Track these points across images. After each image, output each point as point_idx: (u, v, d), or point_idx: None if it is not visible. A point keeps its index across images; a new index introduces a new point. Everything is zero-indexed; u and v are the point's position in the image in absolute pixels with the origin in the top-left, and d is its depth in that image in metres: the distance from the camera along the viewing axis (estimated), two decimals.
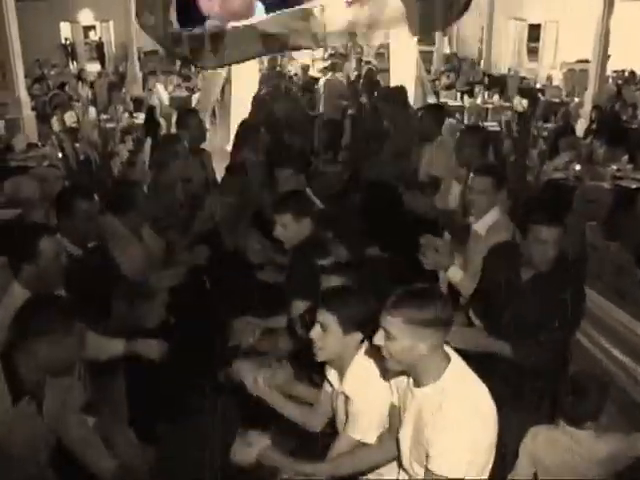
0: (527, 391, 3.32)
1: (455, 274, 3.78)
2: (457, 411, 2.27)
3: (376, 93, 9.00)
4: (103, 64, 21.16)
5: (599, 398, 3.06)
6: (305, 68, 14.93)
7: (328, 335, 2.66)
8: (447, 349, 2.42)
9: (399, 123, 6.67)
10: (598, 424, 3.03)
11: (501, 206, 3.96)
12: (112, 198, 4.19)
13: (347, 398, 2.75)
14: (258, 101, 8.65)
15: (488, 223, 3.88)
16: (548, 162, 6.03)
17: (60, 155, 5.43)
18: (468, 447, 2.24)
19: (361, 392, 2.69)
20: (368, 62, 15.69)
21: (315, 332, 2.69)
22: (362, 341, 2.72)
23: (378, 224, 5.46)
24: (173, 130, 11.00)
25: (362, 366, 2.72)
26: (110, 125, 8.65)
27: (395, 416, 2.62)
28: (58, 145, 5.49)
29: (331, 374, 2.88)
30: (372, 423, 2.71)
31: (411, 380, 2.44)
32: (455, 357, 2.42)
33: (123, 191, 4.15)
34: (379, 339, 2.34)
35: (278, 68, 13.51)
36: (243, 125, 7.15)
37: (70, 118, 8.02)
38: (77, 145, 5.36)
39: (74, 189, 3.88)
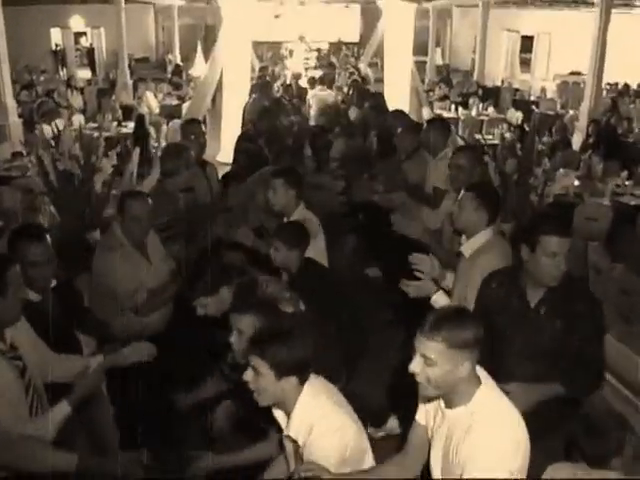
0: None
1: (438, 299, 3.60)
2: (486, 435, 2.23)
3: (366, 103, 8.77)
4: (94, 70, 20.92)
5: (618, 435, 2.92)
6: (297, 76, 14.78)
7: (261, 379, 2.56)
8: (478, 370, 2.36)
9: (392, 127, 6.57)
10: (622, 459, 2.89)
11: (495, 228, 3.75)
12: (117, 209, 4.04)
13: (295, 442, 2.64)
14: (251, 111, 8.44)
15: (476, 245, 3.69)
16: (551, 181, 5.85)
17: (38, 171, 5.15)
18: (500, 470, 2.19)
19: (310, 437, 2.56)
20: (352, 73, 15.49)
21: (248, 375, 2.60)
22: (303, 382, 2.61)
23: (377, 240, 5.29)
24: (162, 140, 10.91)
25: (308, 408, 2.60)
26: (96, 134, 8.38)
27: (421, 433, 2.55)
28: (37, 160, 5.21)
29: (278, 416, 2.75)
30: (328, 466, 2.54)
31: (442, 401, 2.40)
32: (485, 379, 2.37)
33: (126, 201, 3.96)
34: (415, 366, 2.26)
35: (268, 78, 13.26)
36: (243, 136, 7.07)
37: (55, 127, 7.77)
38: (59, 157, 5.08)
39: (22, 231, 3.45)
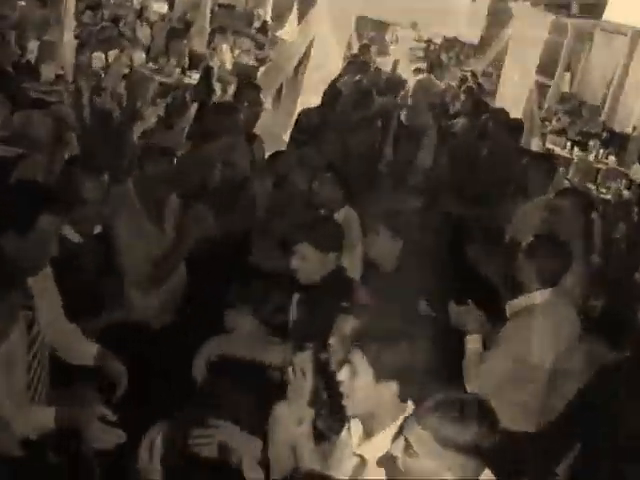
0: None
1: (469, 342, 3.51)
2: None
3: (486, 115, 8.48)
4: (171, 6, 21.12)
5: None
6: (396, 62, 14.73)
7: (357, 379, 2.50)
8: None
9: (505, 157, 6.39)
10: None
11: (558, 289, 3.61)
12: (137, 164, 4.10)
13: (362, 463, 2.53)
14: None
15: (520, 305, 3.60)
16: None
17: (72, 102, 5.16)
18: None
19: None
20: (465, 78, 15.19)
21: (343, 373, 2.55)
22: (403, 397, 2.50)
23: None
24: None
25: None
26: (154, 77, 8.43)
27: None
28: (75, 90, 5.21)
29: (354, 424, 2.63)
30: None
31: None
32: None
33: (145, 158, 3.99)
34: (397, 448, 2.10)
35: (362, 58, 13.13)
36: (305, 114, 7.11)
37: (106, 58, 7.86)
38: (101, 93, 5.08)
39: (81, 161, 3.61)
